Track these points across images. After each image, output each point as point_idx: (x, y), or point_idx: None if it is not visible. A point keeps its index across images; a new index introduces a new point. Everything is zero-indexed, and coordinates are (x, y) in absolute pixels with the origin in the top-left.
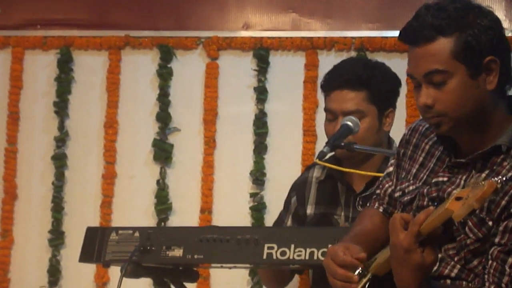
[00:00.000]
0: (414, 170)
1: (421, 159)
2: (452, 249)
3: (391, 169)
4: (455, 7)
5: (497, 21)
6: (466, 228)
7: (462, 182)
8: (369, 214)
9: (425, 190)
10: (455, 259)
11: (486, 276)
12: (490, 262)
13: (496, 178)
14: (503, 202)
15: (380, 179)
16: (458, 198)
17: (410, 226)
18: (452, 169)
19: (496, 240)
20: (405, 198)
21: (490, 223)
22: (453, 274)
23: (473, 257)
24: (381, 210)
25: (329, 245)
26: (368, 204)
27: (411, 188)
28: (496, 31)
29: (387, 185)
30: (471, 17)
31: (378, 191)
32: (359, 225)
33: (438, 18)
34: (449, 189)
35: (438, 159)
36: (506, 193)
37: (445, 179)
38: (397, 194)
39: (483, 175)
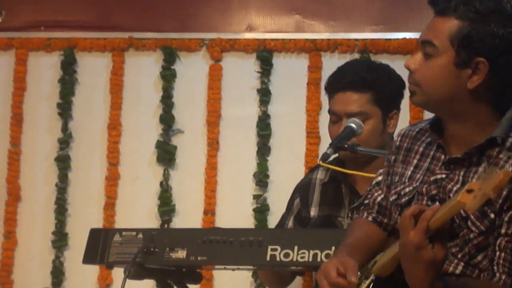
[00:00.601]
0: (408, 172)
1: (415, 161)
2: (455, 247)
3: (380, 178)
4: (489, 1)
5: None
6: (468, 222)
7: (461, 178)
8: (359, 224)
9: (424, 189)
10: (459, 256)
11: (495, 267)
12: (498, 253)
13: (510, 167)
14: (505, 193)
15: (368, 189)
16: (469, 191)
17: (418, 222)
18: (449, 165)
19: (502, 231)
20: (403, 200)
21: (492, 215)
22: (457, 271)
23: (477, 252)
24: (370, 219)
25: (332, 248)
26: (356, 215)
27: (407, 189)
28: (508, 43)
29: (376, 194)
30: (491, 17)
31: (366, 201)
32: (352, 235)
33: (463, 0)
34: (449, 186)
35: (433, 158)
36: None
37: (443, 176)
38: (392, 198)
39: (480, 168)
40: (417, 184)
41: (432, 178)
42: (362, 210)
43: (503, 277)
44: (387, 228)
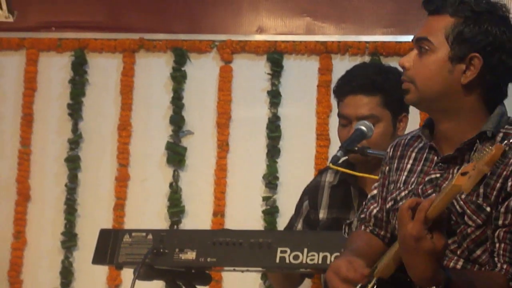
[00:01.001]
0: (403, 178)
1: (409, 166)
2: (453, 244)
3: (375, 192)
4: (483, 3)
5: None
6: (465, 217)
7: (455, 176)
8: (357, 235)
9: (420, 190)
10: (458, 252)
11: (496, 259)
12: (497, 244)
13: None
14: (498, 185)
15: (364, 203)
16: (463, 174)
17: (416, 214)
18: (442, 165)
19: (500, 222)
20: (399, 204)
21: (488, 208)
22: (458, 267)
23: (476, 246)
24: (367, 231)
25: (342, 250)
26: (354, 229)
27: (403, 194)
28: (501, 42)
29: (372, 207)
30: (485, 16)
31: (362, 216)
32: (352, 245)
33: (458, 0)
34: (444, 185)
35: (426, 160)
36: (499, 175)
37: (438, 175)
38: (389, 205)
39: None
40: (412, 187)
41: (426, 179)
42: (358, 224)
43: (505, 266)
44: (384, 240)
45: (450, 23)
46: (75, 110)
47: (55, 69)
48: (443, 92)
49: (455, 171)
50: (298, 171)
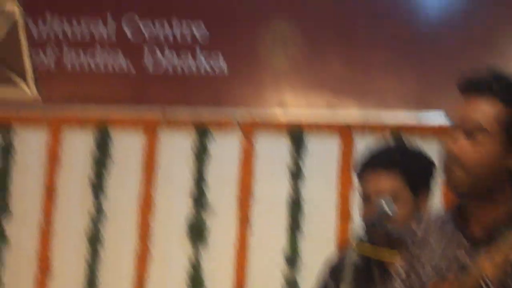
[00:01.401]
0: (429, 257)
1: (435, 245)
2: None
3: (400, 271)
4: None
5: None
6: None
7: (481, 261)
8: None
9: (445, 271)
10: None
11: None
12: None
13: None
14: None
15: (390, 282)
16: (490, 259)
17: None
18: (470, 246)
19: None
20: (426, 285)
21: None
22: None
23: None
24: None
25: None
26: None
27: (429, 274)
28: None
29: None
30: None
31: None
32: None
33: (499, 82)
34: (471, 268)
35: (453, 240)
36: None
37: (465, 256)
38: (415, 285)
39: None
40: (438, 267)
41: (453, 260)
42: None
43: None
44: None
45: (502, 108)
46: (97, 185)
47: (78, 143)
48: (493, 179)
49: (483, 254)
50: (319, 249)
